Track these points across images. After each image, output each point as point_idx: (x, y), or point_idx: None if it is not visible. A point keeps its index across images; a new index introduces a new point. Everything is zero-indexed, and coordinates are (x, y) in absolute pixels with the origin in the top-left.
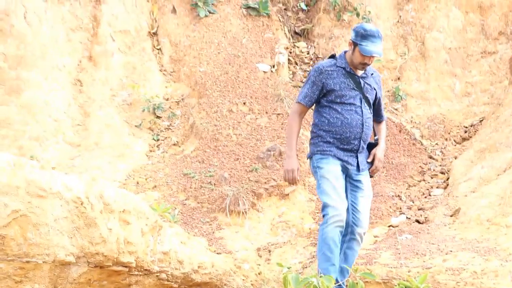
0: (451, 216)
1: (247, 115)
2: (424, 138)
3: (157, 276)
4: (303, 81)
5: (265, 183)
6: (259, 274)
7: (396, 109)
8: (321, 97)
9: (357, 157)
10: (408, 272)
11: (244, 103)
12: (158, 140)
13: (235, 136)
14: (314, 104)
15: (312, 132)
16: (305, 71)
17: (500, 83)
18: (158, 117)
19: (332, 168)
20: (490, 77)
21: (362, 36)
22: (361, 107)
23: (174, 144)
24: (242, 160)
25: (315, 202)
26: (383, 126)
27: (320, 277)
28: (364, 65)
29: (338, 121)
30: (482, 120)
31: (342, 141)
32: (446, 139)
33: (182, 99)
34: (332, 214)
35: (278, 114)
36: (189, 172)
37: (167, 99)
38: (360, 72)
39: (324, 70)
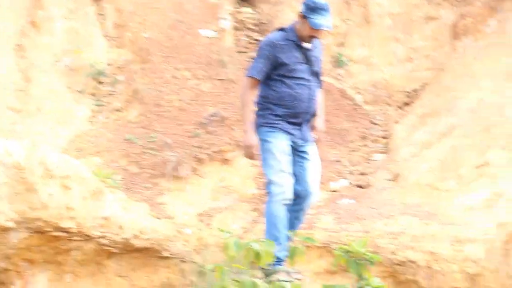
0: (392, 180)
1: (190, 80)
2: (366, 104)
3: (97, 241)
4: (247, 46)
5: (208, 148)
6: (200, 239)
7: (339, 75)
8: (271, 70)
9: (301, 129)
10: (349, 236)
11: (188, 69)
12: (100, 105)
13: (178, 102)
14: None
15: (259, 103)
16: (249, 36)
17: (442, 48)
18: (101, 82)
19: (279, 143)
20: (432, 43)
21: (312, 9)
22: (310, 80)
23: (117, 110)
24: (184, 126)
25: (257, 167)
26: (320, 94)
27: (261, 242)
28: (312, 38)
29: (288, 95)
30: (424, 86)
31: (290, 115)
32: (389, 104)
33: (126, 65)
34: (277, 191)
35: (222, 79)
36: (131, 138)
37: (110, 65)
38: (308, 45)
39: (276, 43)
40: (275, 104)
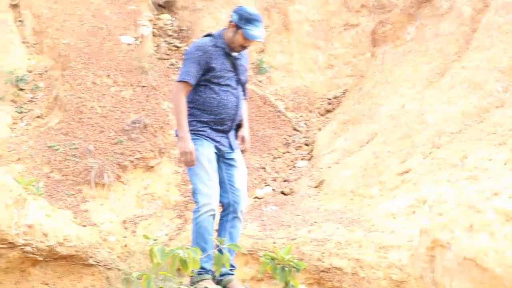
0: (315, 187)
1: (111, 87)
2: (288, 110)
3: (21, 249)
4: (168, 53)
5: (130, 155)
6: (125, 246)
7: (260, 81)
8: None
9: (228, 137)
10: (274, 243)
11: (108, 75)
12: (21, 112)
13: (99, 109)
14: None
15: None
16: (169, 43)
17: (363, 55)
18: (21, 89)
19: (205, 151)
20: (352, 50)
21: (247, 20)
22: (237, 88)
23: (38, 117)
24: (107, 133)
25: (181, 174)
26: (245, 104)
27: (187, 249)
28: (244, 48)
29: (214, 101)
30: (345, 92)
31: (216, 122)
32: (310, 111)
33: (46, 71)
34: (204, 202)
35: (143, 86)
36: (53, 145)
37: (30, 71)
38: (235, 53)
39: (207, 48)
40: (200, 110)
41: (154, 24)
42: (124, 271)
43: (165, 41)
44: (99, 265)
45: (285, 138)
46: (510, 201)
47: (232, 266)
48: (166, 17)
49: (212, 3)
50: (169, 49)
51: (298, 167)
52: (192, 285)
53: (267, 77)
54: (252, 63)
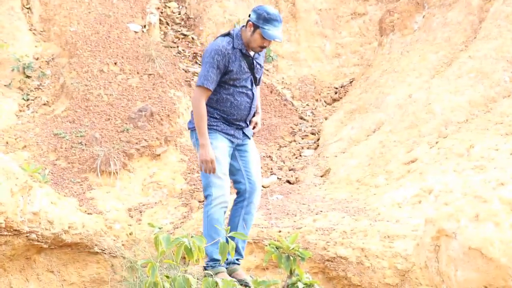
0: (321, 176)
1: (118, 75)
2: (295, 99)
3: (27, 236)
4: (175, 41)
5: (137, 143)
6: (130, 234)
7: (267, 70)
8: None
9: (242, 130)
10: (279, 232)
11: (115, 63)
12: (28, 100)
13: (106, 96)
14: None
15: None
16: (176, 31)
17: (370, 44)
18: (28, 76)
19: (219, 144)
20: (360, 39)
21: (265, 19)
22: (251, 89)
23: (44, 104)
24: (113, 120)
25: (187, 162)
26: (258, 91)
27: (192, 237)
28: (262, 48)
29: (227, 102)
30: (352, 81)
31: (228, 120)
32: (317, 100)
33: (53, 58)
34: (217, 194)
35: (150, 74)
36: (59, 132)
37: (37, 59)
38: (252, 52)
39: (225, 52)
40: (213, 108)
41: (161, 12)
42: (129, 259)
43: (172, 29)
44: (104, 253)
45: (291, 127)
46: None
47: (240, 255)
48: (173, 5)
49: None
50: (176, 37)
51: (304, 156)
52: (207, 277)
53: (273, 66)
54: None
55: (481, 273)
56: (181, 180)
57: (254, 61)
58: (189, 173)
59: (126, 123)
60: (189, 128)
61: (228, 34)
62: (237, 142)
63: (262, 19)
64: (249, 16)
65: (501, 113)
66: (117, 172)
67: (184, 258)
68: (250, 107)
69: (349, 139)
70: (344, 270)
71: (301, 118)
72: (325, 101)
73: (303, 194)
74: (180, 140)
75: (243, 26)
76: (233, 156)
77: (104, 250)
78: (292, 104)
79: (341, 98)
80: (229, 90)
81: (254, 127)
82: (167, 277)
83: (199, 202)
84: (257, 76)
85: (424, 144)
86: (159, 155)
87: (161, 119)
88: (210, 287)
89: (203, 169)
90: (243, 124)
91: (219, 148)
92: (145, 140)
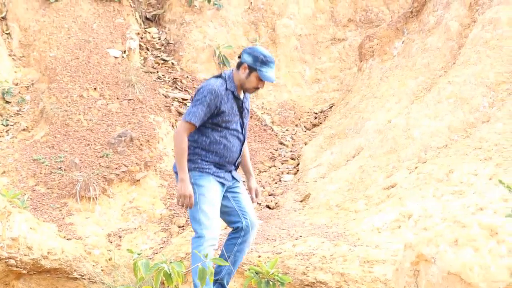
0: (301, 201)
1: (98, 100)
2: (275, 124)
3: (5, 262)
4: (154, 66)
5: (116, 168)
6: (109, 260)
7: None
8: (208, 118)
9: (231, 173)
10: (259, 257)
11: (95, 89)
12: (7, 125)
13: (85, 122)
14: None
15: (188, 148)
16: (156, 56)
17: (350, 69)
18: (7, 102)
19: (212, 187)
20: (339, 64)
21: (263, 62)
22: (242, 132)
23: (24, 130)
24: (93, 146)
25: (166, 187)
26: (247, 148)
27: (170, 263)
28: (256, 89)
29: (221, 144)
30: (331, 107)
31: (220, 164)
32: (297, 125)
33: (32, 84)
34: (209, 236)
35: (130, 99)
36: (39, 158)
37: (17, 84)
38: (241, 96)
39: (219, 93)
40: (205, 150)
41: (141, 38)
42: (109, 285)
43: (152, 54)
44: (84, 278)
45: (271, 152)
46: (495, 216)
47: (223, 287)
48: (153, 30)
49: (200, 16)
50: (156, 63)
51: (284, 181)
52: None
53: None
54: None
55: None
56: (160, 205)
57: (243, 105)
58: (168, 198)
59: (105, 148)
60: (174, 172)
61: (220, 76)
62: (228, 184)
63: (260, 62)
64: (241, 57)
65: (480, 138)
66: (96, 198)
67: (163, 283)
68: (240, 150)
69: (329, 164)
70: None
71: (281, 143)
72: (304, 126)
73: (282, 219)
74: (160, 165)
75: (233, 69)
76: (225, 198)
77: (83, 276)
78: (272, 129)
79: (320, 123)
80: (222, 133)
81: (256, 195)
82: None
83: (179, 227)
84: (245, 121)
85: (403, 169)
86: (138, 180)
87: (141, 144)
88: None
89: (179, 203)
90: (232, 167)
91: (212, 190)
92: (124, 165)
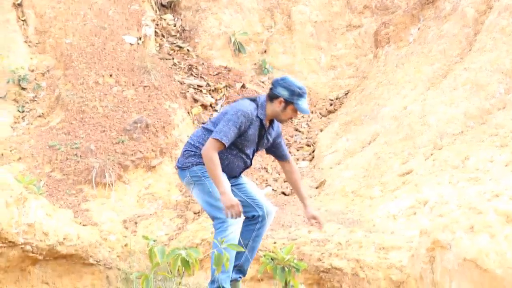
0: (316, 188)
1: (113, 87)
2: None
3: (22, 248)
4: (170, 53)
5: (132, 155)
6: (125, 246)
7: (262, 82)
8: None
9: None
10: (274, 243)
11: (111, 75)
12: (23, 111)
13: (101, 108)
14: (210, 122)
15: (195, 146)
16: (171, 43)
17: (365, 56)
18: (23, 88)
19: None
20: (355, 51)
21: (299, 95)
22: (250, 157)
23: (40, 116)
24: (108, 132)
25: None
26: (297, 175)
27: (187, 249)
28: (290, 120)
29: (226, 161)
30: (347, 93)
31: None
32: (312, 112)
33: (48, 70)
34: (232, 220)
35: (145, 86)
36: (54, 144)
37: (32, 71)
38: (267, 124)
39: (251, 118)
40: None
41: (157, 24)
42: (124, 271)
43: (167, 41)
44: (99, 264)
45: (287, 139)
46: (511, 203)
47: (243, 274)
48: (169, 17)
49: (216, 3)
50: (172, 49)
51: (300, 167)
52: None
53: (269, 78)
54: (255, 64)
55: (476, 284)
56: (176, 192)
57: (265, 135)
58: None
59: (121, 135)
60: (178, 167)
61: (254, 100)
62: (230, 181)
63: (296, 95)
64: (273, 89)
65: (496, 125)
66: (112, 184)
67: (178, 270)
68: (241, 172)
69: (344, 150)
70: (339, 281)
71: (297, 130)
72: (320, 113)
73: (298, 206)
74: (175, 152)
75: (265, 96)
76: (232, 192)
77: (99, 262)
78: None
79: (336, 110)
80: (233, 152)
81: (318, 222)
82: None
83: (194, 213)
84: (260, 148)
85: (419, 155)
86: (154, 166)
87: (156, 130)
88: None
89: (229, 215)
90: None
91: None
92: (140, 151)
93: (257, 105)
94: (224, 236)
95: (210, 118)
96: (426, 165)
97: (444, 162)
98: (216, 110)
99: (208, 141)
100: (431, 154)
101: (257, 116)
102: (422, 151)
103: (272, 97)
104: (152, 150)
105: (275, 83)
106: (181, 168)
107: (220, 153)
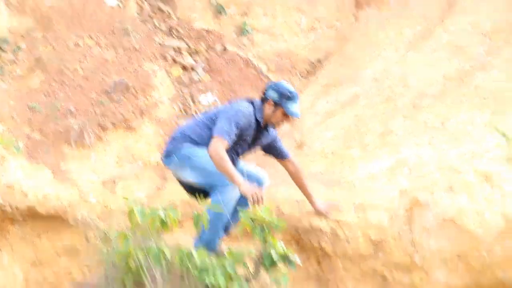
0: (296, 148)
1: (93, 48)
2: (271, 73)
3: (1, 209)
4: (151, 15)
5: (112, 116)
6: (104, 206)
7: (243, 44)
8: None
9: None
10: None
11: (91, 37)
12: (2, 74)
13: (81, 70)
14: (204, 117)
15: (187, 135)
16: (152, 5)
17: (346, 19)
18: (3, 50)
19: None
20: (336, 13)
21: (288, 98)
22: (238, 155)
23: (19, 77)
24: (88, 94)
25: (162, 135)
26: (302, 174)
27: (166, 209)
28: (281, 124)
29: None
30: (328, 55)
31: None
32: (293, 74)
33: (28, 32)
34: (232, 188)
35: (125, 48)
36: (34, 106)
37: (12, 33)
38: (262, 129)
39: (250, 119)
40: (197, 145)
41: None
42: (104, 230)
43: (148, 3)
44: (79, 224)
45: None
46: (490, 163)
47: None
48: None
49: None
50: (153, 12)
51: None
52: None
53: (250, 40)
54: (235, 26)
55: (454, 242)
56: (156, 153)
57: (259, 139)
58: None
59: (101, 97)
60: (163, 157)
61: (251, 103)
62: None
63: (286, 98)
64: (265, 92)
65: (475, 87)
66: (92, 145)
67: (157, 230)
68: None
69: (325, 112)
70: (318, 241)
71: (263, 93)
72: (300, 75)
73: (277, 168)
74: (155, 113)
75: (258, 100)
76: None
77: (78, 222)
78: (268, 77)
79: (316, 72)
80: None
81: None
82: (140, 248)
83: None
84: (251, 150)
85: (399, 117)
86: (134, 128)
87: (137, 92)
88: (185, 258)
89: (255, 203)
90: None
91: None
92: (120, 113)
93: (254, 108)
94: (222, 198)
95: (203, 112)
96: (406, 126)
97: (424, 124)
98: (195, 71)
99: (214, 140)
100: (411, 115)
101: (255, 119)
102: (402, 112)
103: (263, 100)
104: (132, 111)
105: (267, 86)
106: (167, 155)
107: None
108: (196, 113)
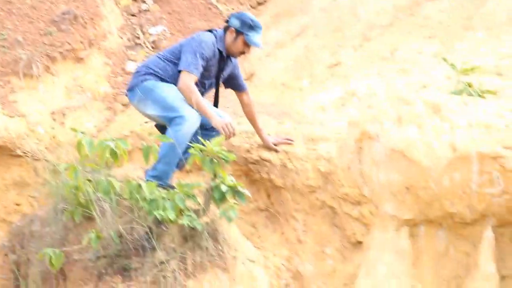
0: (246, 80)
1: None
2: (219, 3)
3: None
4: None
5: (60, 46)
6: (53, 137)
7: None
8: None
9: None
10: None
11: None
12: None
13: None
14: (167, 51)
15: (149, 68)
16: None
17: None
18: None
19: (171, 86)
20: None
21: (250, 27)
22: (206, 88)
23: None
24: (36, 23)
25: (111, 66)
26: (254, 108)
27: (116, 140)
28: (242, 54)
29: (180, 94)
30: None
31: None
32: (241, 4)
33: None
34: (189, 114)
35: None
36: None
37: None
38: (226, 58)
39: (213, 49)
40: (164, 78)
41: None
42: (52, 162)
43: None
44: (27, 156)
45: None
46: (439, 94)
47: (177, 166)
48: None
49: None
50: None
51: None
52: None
53: None
54: None
55: (403, 174)
56: (105, 84)
57: (224, 67)
58: (113, 77)
59: (49, 26)
60: (130, 89)
61: (212, 32)
62: None
63: (247, 26)
64: (228, 21)
65: (424, 16)
66: (40, 76)
67: (107, 161)
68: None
69: (274, 43)
70: (268, 173)
71: (226, 21)
72: (250, 5)
73: (228, 98)
74: (104, 43)
75: (221, 30)
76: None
77: (26, 153)
78: (217, 7)
79: (266, 1)
80: None
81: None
82: (89, 180)
83: (123, 105)
84: (216, 83)
85: (348, 47)
86: (82, 58)
87: (85, 22)
88: (134, 190)
89: (228, 136)
90: None
91: (170, 86)
92: (68, 43)
93: (216, 38)
94: (178, 130)
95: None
96: (355, 57)
97: (373, 54)
98: (144, 1)
99: (182, 74)
100: (360, 46)
101: (218, 49)
102: (351, 43)
103: (225, 28)
104: (80, 41)
105: (231, 15)
106: (130, 89)
107: (174, 80)
108: (144, 43)
